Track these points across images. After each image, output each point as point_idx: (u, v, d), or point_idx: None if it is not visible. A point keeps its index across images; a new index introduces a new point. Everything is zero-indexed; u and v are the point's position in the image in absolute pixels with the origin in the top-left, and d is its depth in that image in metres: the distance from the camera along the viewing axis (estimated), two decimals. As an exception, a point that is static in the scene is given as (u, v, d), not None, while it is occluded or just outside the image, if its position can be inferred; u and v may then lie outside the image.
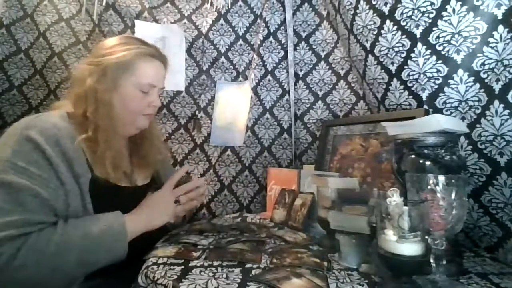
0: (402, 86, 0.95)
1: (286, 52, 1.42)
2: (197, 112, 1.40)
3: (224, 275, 0.60)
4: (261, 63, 1.40)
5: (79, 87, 0.76)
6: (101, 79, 0.75)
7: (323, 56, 1.38)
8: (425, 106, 0.88)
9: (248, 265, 0.65)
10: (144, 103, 0.81)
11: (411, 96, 0.93)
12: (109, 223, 0.69)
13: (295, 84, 1.42)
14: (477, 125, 0.78)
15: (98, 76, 0.75)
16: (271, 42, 1.42)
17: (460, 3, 0.82)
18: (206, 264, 0.66)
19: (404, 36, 0.92)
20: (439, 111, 0.86)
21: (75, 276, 0.67)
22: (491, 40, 0.78)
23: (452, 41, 0.84)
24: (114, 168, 0.76)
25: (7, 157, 0.64)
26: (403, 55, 0.93)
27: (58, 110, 0.78)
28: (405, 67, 0.93)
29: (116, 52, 0.77)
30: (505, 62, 0.74)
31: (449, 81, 0.85)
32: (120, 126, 0.78)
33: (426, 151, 0.67)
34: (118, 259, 0.69)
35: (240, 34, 1.44)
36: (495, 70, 0.77)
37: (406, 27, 0.91)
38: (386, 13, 0.96)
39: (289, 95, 1.42)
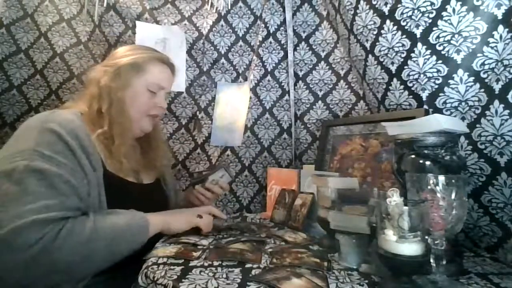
0: (402, 86, 0.95)
1: (286, 52, 1.42)
2: (197, 112, 1.40)
3: (224, 275, 0.60)
4: (260, 63, 1.40)
5: (94, 87, 0.81)
6: (115, 78, 0.81)
7: (323, 56, 1.38)
8: (425, 106, 0.88)
9: (248, 265, 0.65)
10: (151, 103, 0.87)
11: (411, 96, 0.93)
12: (133, 216, 0.73)
13: (295, 84, 1.42)
14: (477, 125, 0.78)
15: (112, 76, 0.81)
16: (270, 42, 1.42)
17: (460, 3, 0.82)
18: (206, 264, 0.66)
19: (404, 36, 0.92)
20: (439, 111, 0.86)
21: (100, 266, 0.68)
22: (491, 40, 0.78)
23: (452, 41, 0.84)
24: (127, 159, 0.79)
25: (32, 147, 0.65)
26: (403, 55, 0.93)
27: (70, 109, 0.80)
28: (405, 67, 0.93)
29: (130, 55, 0.85)
30: (505, 62, 0.74)
31: (449, 81, 0.85)
32: (130, 123, 0.83)
33: (426, 151, 0.66)
34: (135, 251, 0.71)
35: (240, 35, 1.44)
36: (495, 70, 0.77)
37: (406, 27, 0.91)
38: (386, 13, 0.96)
39: (289, 95, 1.42)
